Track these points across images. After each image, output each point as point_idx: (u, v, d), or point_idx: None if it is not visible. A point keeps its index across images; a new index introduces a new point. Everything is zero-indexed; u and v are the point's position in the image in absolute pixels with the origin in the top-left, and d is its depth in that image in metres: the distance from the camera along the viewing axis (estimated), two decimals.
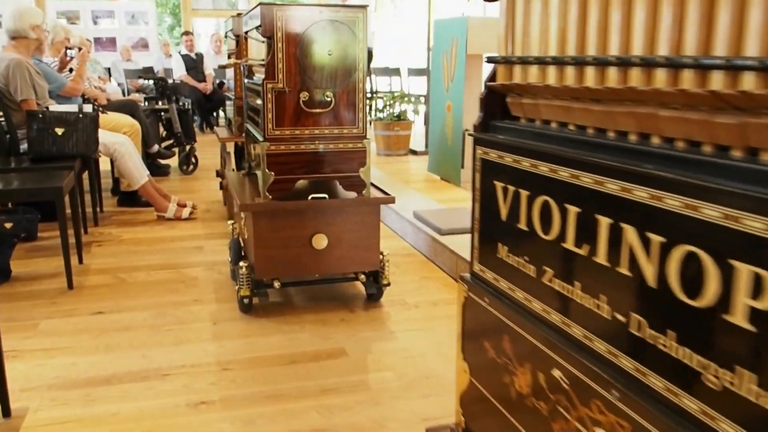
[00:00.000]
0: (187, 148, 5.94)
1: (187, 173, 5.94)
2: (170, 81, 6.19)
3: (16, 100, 3.84)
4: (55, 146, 3.66)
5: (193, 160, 5.96)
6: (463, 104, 4.57)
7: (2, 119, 3.90)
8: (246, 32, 2.98)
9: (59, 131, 3.66)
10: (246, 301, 2.66)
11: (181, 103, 6.08)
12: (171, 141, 6.00)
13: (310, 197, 2.56)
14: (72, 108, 3.78)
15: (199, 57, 9.10)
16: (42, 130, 3.65)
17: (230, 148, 4.48)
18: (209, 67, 9.19)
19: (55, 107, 3.84)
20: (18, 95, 3.82)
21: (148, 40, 11.93)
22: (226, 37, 4.65)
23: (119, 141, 4.13)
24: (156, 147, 5.50)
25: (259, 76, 2.79)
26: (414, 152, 6.34)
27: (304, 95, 2.48)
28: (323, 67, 2.48)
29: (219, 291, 3.00)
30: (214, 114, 9.50)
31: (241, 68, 3.41)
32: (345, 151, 2.57)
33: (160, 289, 3.03)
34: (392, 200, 2.66)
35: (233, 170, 4.33)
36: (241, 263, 2.62)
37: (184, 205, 4.51)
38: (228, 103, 4.56)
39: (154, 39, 12.04)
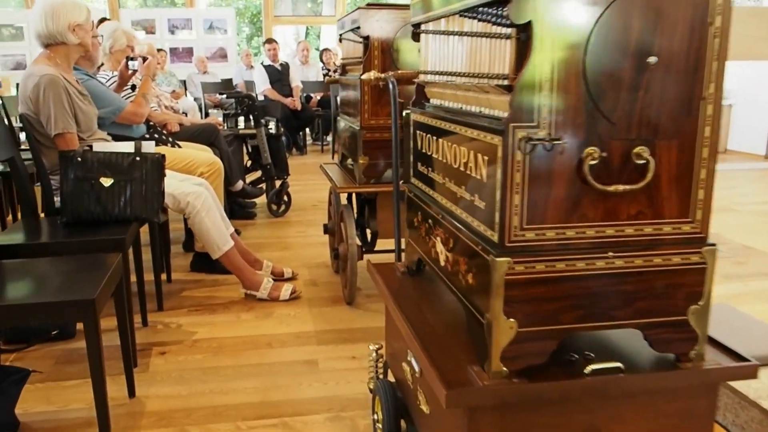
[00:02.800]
0: (278, 183, 4.69)
1: (277, 215, 4.68)
2: (254, 96, 4.96)
3: (49, 134, 2.63)
4: (100, 205, 2.42)
5: (285, 198, 4.69)
6: None
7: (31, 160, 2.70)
8: (418, 24, 1.66)
9: (105, 182, 2.42)
10: None
11: (270, 126, 4.84)
12: (258, 174, 4.76)
13: (588, 369, 1.19)
14: (127, 146, 2.53)
15: (285, 68, 7.91)
16: (81, 181, 2.42)
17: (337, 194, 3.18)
18: (296, 80, 7.99)
19: (102, 146, 2.60)
20: (51, 127, 2.61)
21: (227, 50, 10.92)
22: (341, 40, 3.36)
23: (194, 191, 2.87)
24: (240, 184, 4.26)
25: (445, 103, 1.45)
26: None
27: (592, 154, 1.12)
28: (637, 90, 1.11)
29: None
30: (300, 133, 8.28)
31: (391, 86, 2.08)
32: (663, 270, 1.19)
33: None
34: (752, 373, 1.26)
35: (362, 248, 3.02)
36: None
37: (282, 275, 3.23)
38: (347, 125, 3.29)
39: (233, 49, 11.02)
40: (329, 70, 9.05)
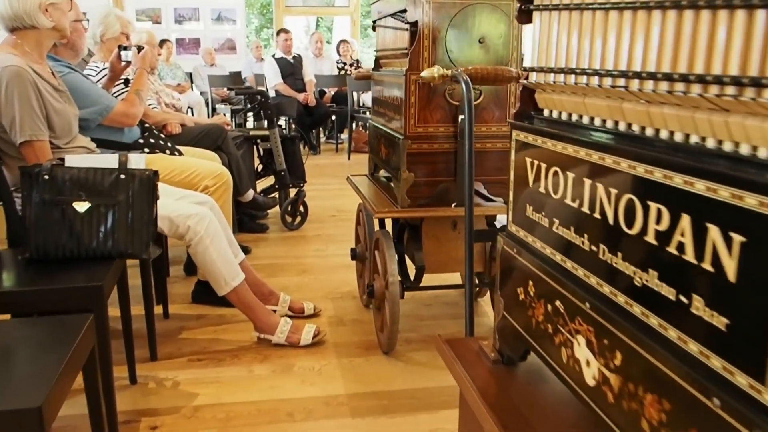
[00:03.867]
0: (293, 192, 4.13)
1: (292, 228, 4.12)
2: (267, 92, 4.41)
3: (14, 141, 2.08)
4: (73, 237, 1.87)
5: (301, 209, 4.13)
6: None
7: None
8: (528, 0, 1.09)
9: (80, 207, 1.86)
10: None
11: (284, 127, 4.29)
12: (271, 181, 4.21)
13: None
14: (109, 159, 1.97)
15: (298, 60, 7.33)
16: (49, 205, 1.86)
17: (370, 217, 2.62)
18: (310, 73, 7.42)
19: (77, 159, 2.03)
20: (16, 133, 2.06)
21: (236, 41, 10.37)
22: (374, 28, 2.79)
23: (196, 214, 2.32)
24: (251, 193, 3.71)
25: (595, 120, 0.88)
26: None
27: None
28: None
29: None
30: (313, 131, 7.70)
31: (464, 87, 1.52)
32: None
33: None
34: None
35: (403, 283, 2.46)
36: None
37: (302, 312, 2.68)
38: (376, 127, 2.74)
39: (242, 40, 10.47)
40: (345, 64, 8.48)
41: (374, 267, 2.49)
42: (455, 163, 2.26)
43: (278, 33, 7.44)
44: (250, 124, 5.02)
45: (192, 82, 8.77)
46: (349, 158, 7.00)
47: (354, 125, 7.32)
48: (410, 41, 2.21)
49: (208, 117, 8.25)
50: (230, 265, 2.37)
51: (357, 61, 8.65)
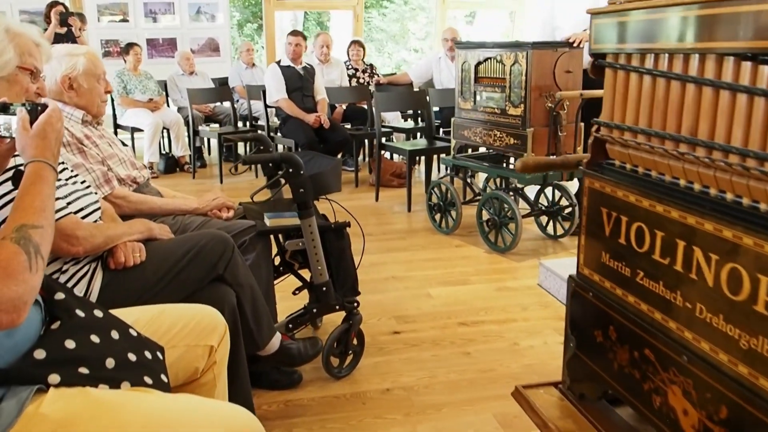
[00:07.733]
0: (340, 317, 2.46)
1: (340, 375, 2.45)
2: (298, 160, 2.72)
3: None
4: None
5: (354, 343, 2.46)
6: None
7: None
8: None
9: None
10: None
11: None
12: (300, 304, 2.53)
13: None
14: None
15: (309, 72, 5.62)
16: None
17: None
18: (322, 90, 5.72)
19: None
20: None
21: (218, 41, 8.67)
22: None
23: None
24: (277, 341, 2.06)
25: None
26: None
27: None
28: None
29: None
30: None
31: None
32: None
33: None
34: None
35: None
36: None
37: None
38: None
39: (225, 39, 8.76)
40: (357, 70, 6.79)
41: None
42: None
43: (289, 35, 5.70)
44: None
45: (167, 95, 7.05)
46: (377, 199, 5.32)
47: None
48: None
49: (189, 142, 6.51)
50: None
51: (371, 66, 6.95)
